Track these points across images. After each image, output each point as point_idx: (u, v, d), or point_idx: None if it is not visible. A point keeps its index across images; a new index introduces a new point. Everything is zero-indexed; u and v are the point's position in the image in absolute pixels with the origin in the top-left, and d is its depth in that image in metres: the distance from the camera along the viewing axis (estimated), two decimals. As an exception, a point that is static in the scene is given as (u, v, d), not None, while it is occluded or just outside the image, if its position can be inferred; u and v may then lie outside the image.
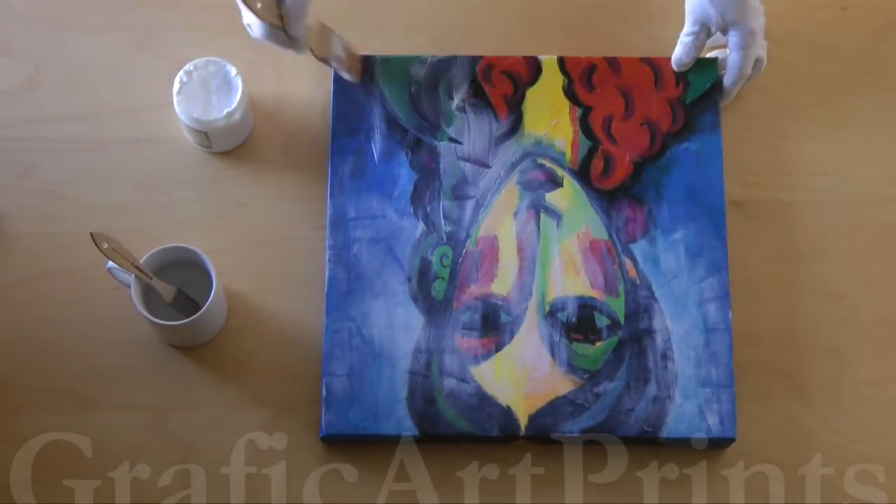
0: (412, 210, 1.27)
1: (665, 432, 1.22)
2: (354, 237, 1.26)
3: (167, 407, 1.25)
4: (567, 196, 1.27)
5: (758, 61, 1.29)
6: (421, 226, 1.27)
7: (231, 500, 1.23)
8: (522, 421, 1.22)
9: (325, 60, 1.27)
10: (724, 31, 1.27)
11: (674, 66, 1.30)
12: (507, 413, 1.22)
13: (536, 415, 1.22)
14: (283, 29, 1.20)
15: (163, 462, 1.23)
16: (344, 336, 1.24)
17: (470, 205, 1.27)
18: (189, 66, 1.28)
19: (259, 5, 1.18)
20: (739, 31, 1.26)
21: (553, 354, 1.23)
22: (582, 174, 1.28)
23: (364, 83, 1.29)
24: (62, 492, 1.22)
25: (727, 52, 1.30)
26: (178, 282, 1.24)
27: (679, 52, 1.30)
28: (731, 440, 1.23)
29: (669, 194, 1.28)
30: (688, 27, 1.29)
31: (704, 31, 1.28)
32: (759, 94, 1.33)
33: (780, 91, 1.34)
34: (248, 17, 1.19)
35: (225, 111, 1.27)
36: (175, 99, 1.28)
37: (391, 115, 1.29)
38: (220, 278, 1.23)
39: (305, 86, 1.34)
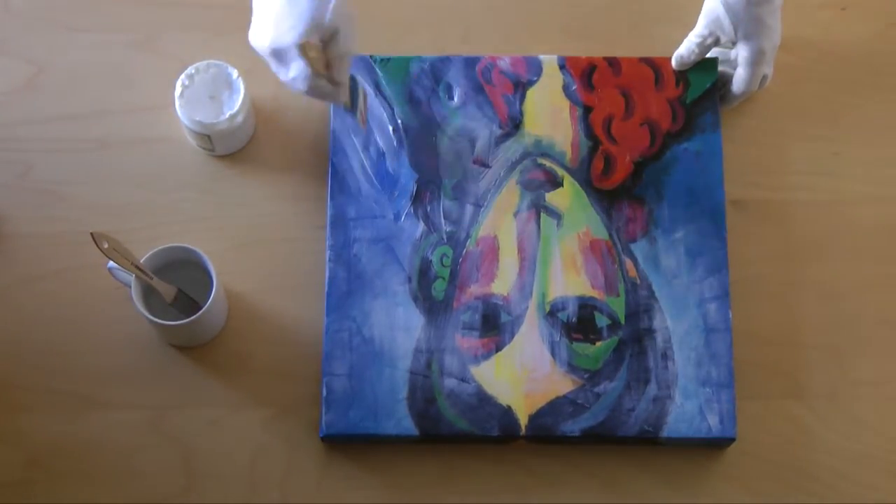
0: (412, 210, 1.27)
1: (665, 432, 1.22)
2: (354, 237, 1.26)
3: (167, 407, 1.25)
4: (567, 196, 1.28)
5: (764, 77, 1.29)
6: (421, 226, 1.27)
7: (231, 500, 1.23)
8: (522, 421, 1.22)
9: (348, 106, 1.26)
10: (734, 43, 1.27)
11: (673, 63, 1.31)
12: (507, 413, 1.22)
13: (536, 415, 1.22)
14: (327, 77, 1.17)
15: (163, 462, 1.23)
16: (344, 336, 1.24)
17: (470, 205, 1.27)
18: (190, 70, 1.28)
19: (313, 53, 1.14)
20: (749, 47, 1.26)
21: (553, 354, 1.23)
22: (582, 174, 1.28)
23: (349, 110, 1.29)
24: (62, 491, 1.22)
25: (729, 53, 1.31)
26: (178, 282, 1.24)
27: (682, 51, 1.30)
28: (731, 440, 1.23)
29: (670, 194, 1.28)
30: (699, 29, 1.29)
31: (713, 38, 1.28)
32: (759, 95, 1.33)
33: (780, 91, 1.34)
34: (293, 72, 1.15)
35: (228, 114, 1.27)
36: (177, 102, 1.28)
37: (391, 114, 1.29)
38: (220, 278, 1.23)
39: (305, 86, 1.34)
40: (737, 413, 1.23)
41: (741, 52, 1.27)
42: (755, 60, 1.27)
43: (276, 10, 1.14)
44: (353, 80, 1.26)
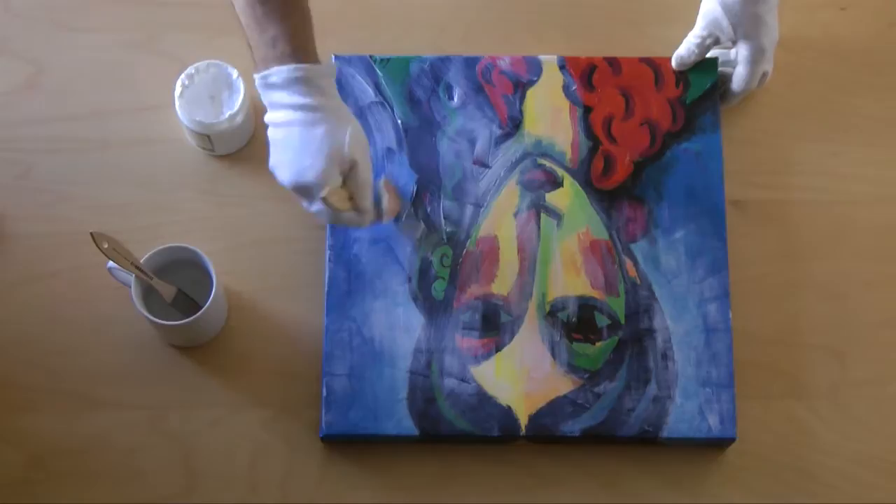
0: (412, 210, 1.27)
1: (665, 432, 1.22)
2: (354, 237, 1.26)
3: (167, 407, 1.25)
4: (567, 196, 1.28)
5: (764, 74, 1.29)
6: (421, 226, 1.27)
7: (231, 500, 1.23)
8: (522, 421, 1.22)
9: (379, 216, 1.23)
10: (734, 42, 1.28)
11: (673, 64, 1.31)
12: (507, 413, 1.22)
13: (537, 415, 1.22)
14: (352, 207, 1.17)
15: (163, 462, 1.23)
16: (344, 336, 1.24)
17: (470, 205, 1.27)
18: (190, 70, 1.28)
19: (334, 199, 1.14)
20: (750, 46, 1.27)
21: (553, 354, 1.23)
22: (582, 174, 1.28)
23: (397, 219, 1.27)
24: (62, 491, 1.22)
25: (729, 54, 1.31)
26: (178, 282, 1.24)
27: (682, 52, 1.30)
28: (731, 440, 1.23)
29: (670, 194, 1.28)
30: (697, 30, 1.29)
31: (713, 39, 1.28)
32: (760, 94, 1.33)
33: (780, 91, 1.34)
34: (315, 208, 1.15)
35: (228, 114, 1.27)
36: (177, 102, 1.28)
37: (391, 115, 1.29)
38: (220, 278, 1.23)
39: (305, 86, 1.33)
40: (737, 413, 1.23)
41: (741, 51, 1.27)
42: (755, 58, 1.27)
43: (293, 145, 1.13)
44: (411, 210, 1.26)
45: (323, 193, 1.13)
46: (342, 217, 1.16)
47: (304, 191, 1.14)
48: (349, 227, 1.19)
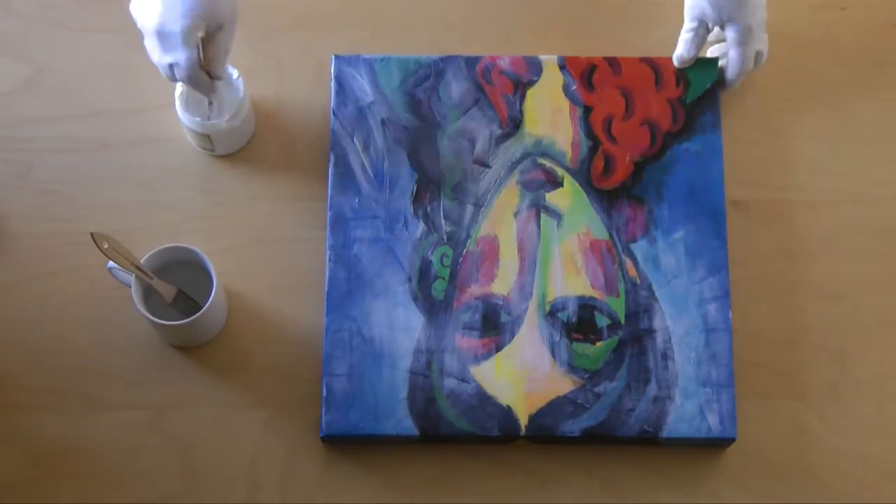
0: (412, 210, 1.27)
1: (665, 432, 1.22)
2: (354, 237, 1.26)
3: (167, 407, 1.25)
4: (567, 196, 1.28)
5: (758, 55, 1.29)
6: (421, 226, 1.27)
7: (231, 500, 1.23)
8: (523, 421, 1.22)
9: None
10: (723, 27, 1.28)
11: (675, 63, 1.31)
12: (507, 413, 1.22)
13: (537, 415, 1.22)
14: (206, 71, 1.21)
15: (163, 462, 1.23)
16: (344, 336, 1.24)
17: (470, 205, 1.27)
18: (190, 69, 1.28)
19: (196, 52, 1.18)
20: (736, 27, 1.26)
21: (553, 354, 1.23)
22: (582, 174, 1.28)
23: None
24: (62, 491, 1.22)
25: (725, 46, 1.31)
26: (179, 282, 1.24)
27: (680, 50, 1.30)
28: (731, 440, 1.23)
29: (670, 194, 1.28)
30: (687, 24, 1.29)
31: (703, 27, 1.28)
32: (759, 94, 1.34)
33: (780, 91, 1.34)
34: (176, 58, 1.18)
35: (228, 114, 1.27)
36: (177, 103, 1.28)
37: (391, 115, 1.29)
38: (220, 278, 1.23)
39: (306, 86, 1.34)
40: (737, 413, 1.23)
41: (729, 35, 1.27)
42: (744, 39, 1.27)
43: None
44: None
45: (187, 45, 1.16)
46: (198, 76, 1.19)
47: (165, 37, 1.16)
48: (196, 90, 1.22)
